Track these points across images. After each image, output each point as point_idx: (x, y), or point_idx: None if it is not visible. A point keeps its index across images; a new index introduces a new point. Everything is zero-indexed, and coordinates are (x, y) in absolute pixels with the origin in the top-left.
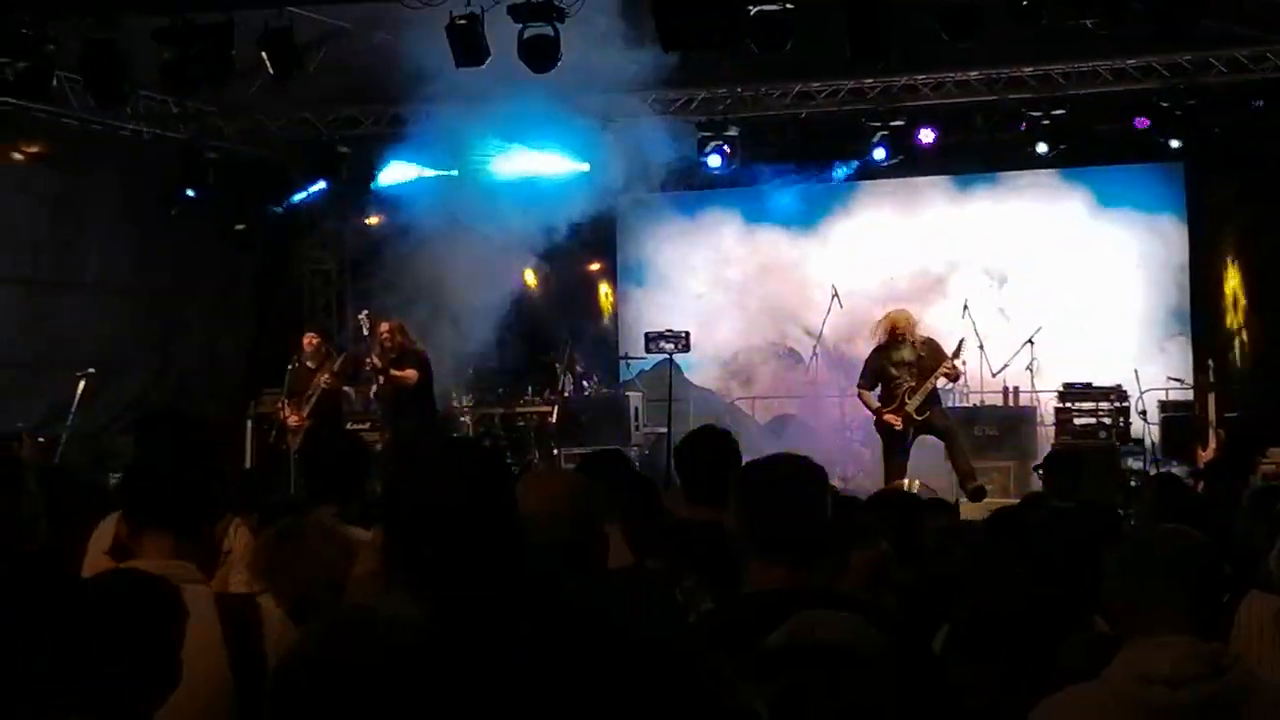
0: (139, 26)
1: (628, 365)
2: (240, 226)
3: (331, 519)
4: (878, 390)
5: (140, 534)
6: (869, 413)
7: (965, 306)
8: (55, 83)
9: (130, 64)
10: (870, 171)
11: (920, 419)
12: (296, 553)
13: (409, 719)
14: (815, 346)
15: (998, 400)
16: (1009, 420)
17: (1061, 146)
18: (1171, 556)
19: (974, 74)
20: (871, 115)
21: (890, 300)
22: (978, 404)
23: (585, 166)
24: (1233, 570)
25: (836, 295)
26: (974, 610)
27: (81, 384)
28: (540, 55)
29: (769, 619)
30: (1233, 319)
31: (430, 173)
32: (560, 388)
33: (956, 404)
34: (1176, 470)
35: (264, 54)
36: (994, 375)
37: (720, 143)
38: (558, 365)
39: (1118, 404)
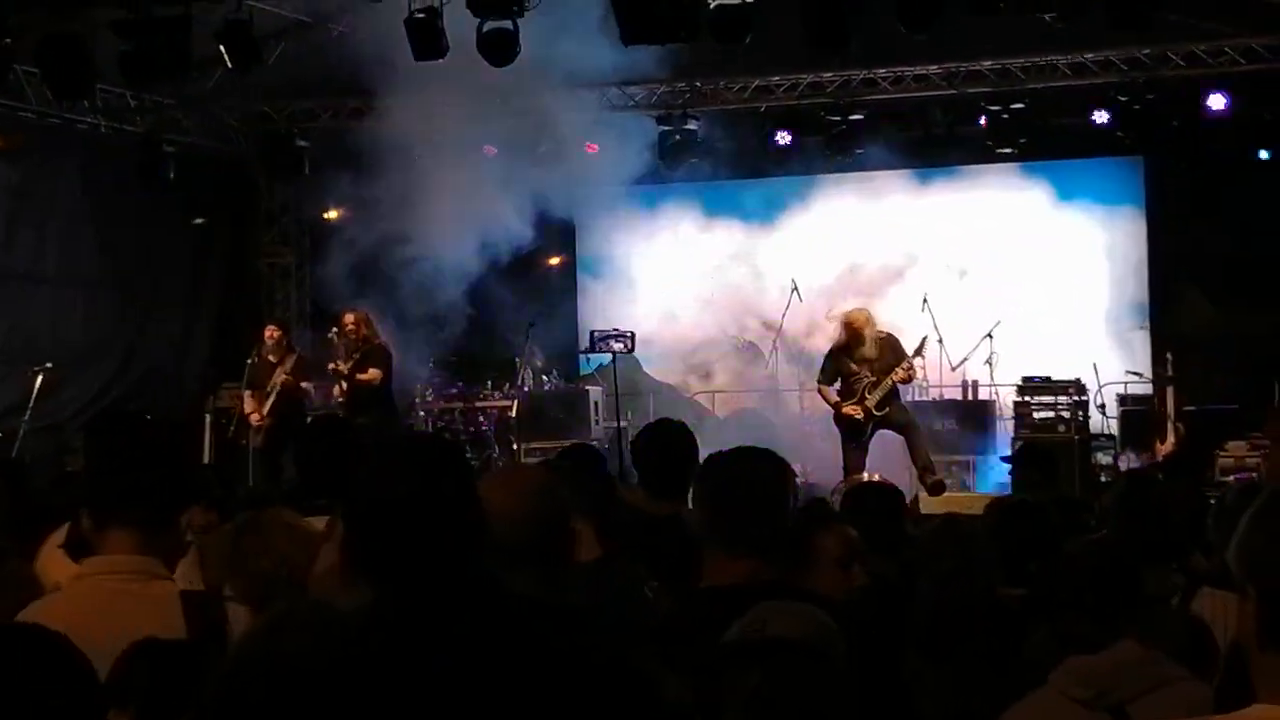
0: (96, 19)
1: (587, 359)
2: (199, 220)
3: (291, 513)
4: (837, 385)
5: (104, 530)
6: (828, 407)
7: (925, 300)
8: (12, 75)
9: (89, 57)
10: (829, 165)
11: (880, 414)
12: (255, 548)
13: (339, 714)
14: (775, 340)
15: (957, 394)
16: (968, 414)
17: (1021, 140)
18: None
19: (933, 68)
20: (830, 109)
21: (850, 294)
22: (937, 398)
23: (545, 160)
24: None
25: (796, 289)
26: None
27: (39, 378)
28: (499, 49)
29: (729, 613)
30: (1191, 312)
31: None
32: (520, 382)
33: (916, 398)
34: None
35: (222, 47)
36: (953, 369)
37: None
38: (517, 359)
39: (1077, 398)
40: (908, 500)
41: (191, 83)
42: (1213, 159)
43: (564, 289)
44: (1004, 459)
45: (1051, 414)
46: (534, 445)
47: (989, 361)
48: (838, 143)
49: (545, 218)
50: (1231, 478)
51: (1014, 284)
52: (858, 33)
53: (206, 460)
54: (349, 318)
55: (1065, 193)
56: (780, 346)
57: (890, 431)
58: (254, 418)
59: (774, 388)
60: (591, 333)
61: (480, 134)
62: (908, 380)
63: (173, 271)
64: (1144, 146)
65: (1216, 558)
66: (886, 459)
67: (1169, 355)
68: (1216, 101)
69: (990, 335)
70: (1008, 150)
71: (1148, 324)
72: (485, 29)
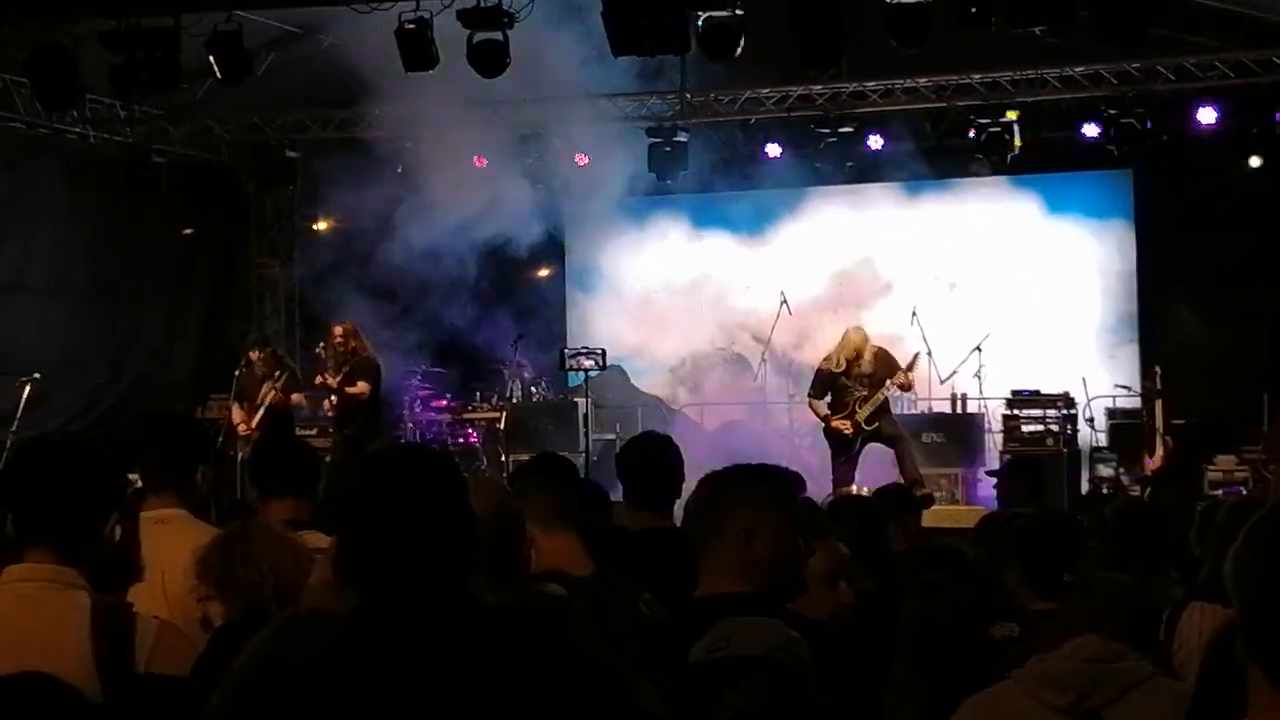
0: (84, 30)
1: (576, 371)
2: (188, 231)
3: (281, 524)
4: (827, 398)
5: (26, 544)
6: (817, 420)
7: (914, 313)
8: (1, 86)
9: (78, 67)
10: (819, 177)
11: (870, 428)
12: (244, 558)
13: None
14: (764, 353)
15: (945, 407)
16: (957, 427)
17: (1010, 153)
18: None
19: (923, 81)
20: (820, 121)
21: (839, 307)
22: (925, 411)
23: (535, 171)
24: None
25: (785, 302)
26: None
27: (27, 389)
28: (489, 61)
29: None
30: (1180, 326)
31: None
32: (508, 393)
33: (905, 411)
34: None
35: (212, 58)
36: (942, 382)
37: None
38: (505, 371)
39: (1065, 411)
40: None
41: (181, 93)
42: (1202, 172)
43: (553, 301)
44: (989, 473)
45: (1040, 427)
46: (522, 457)
47: (978, 375)
48: (827, 155)
49: (535, 229)
50: (1220, 492)
51: (1003, 297)
52: (849, 46)
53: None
54: (337, 329)
55: (1054, 206)
56: (769, 359)
57: (879, 445)
58: (241, 428)
59: (763, 400)
60: (562, 350)
61: (470, 145)
62: (906, 389)
63: (161, 282)
64: (1133, 160)
65: (1206, 571)
66: (875, 473)
67: (1158, 369)
68: (1206, 115)
69: (979, 348)
70: (997, 163)
71: (1136, 337)
72: (475, 40)
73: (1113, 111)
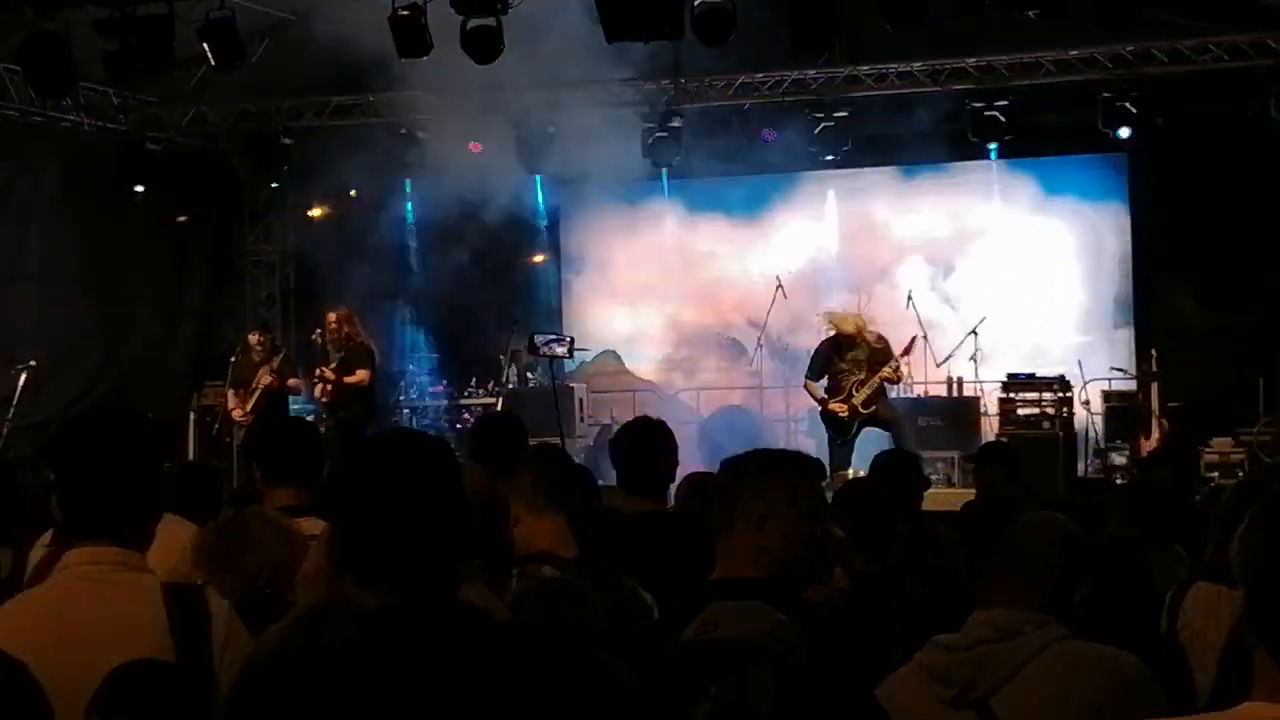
0: (78, 17)
1: (572, 357)
2: (183, 218)
3: (277, 511)
4: (824, 381)
5: (74, 545)
6: (813, 403)
7: (909, 297)
8: None
9: (72, 55)
10: (814, 162)
11: (866, 412)
12: (241, 545)
13: (371, 714)
14: (759, 337)
15: (942, 391)
16: (953, 411)
17: (1005, 137)
18: (1031, 540)
19: (917, 65)
20: (815, 106)
21: (835, 291)
22: (922, 395)
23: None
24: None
25: (780, 286)
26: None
27: (23, 376)
28: (483, 47)
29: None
30: (1175, 308)
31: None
32: (504, 379)
33: (901, 394)
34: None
35: (205, 45)
36: (938, 366)
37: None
38: (501, 356)
39: (1061, 394)
40: None
41: (174, 81)
42: (1196, 155)
43: (548, 286)
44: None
45: (1036, 410)
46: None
47: (974, 358)
48: (822, 140)
49: (530, 215)
50: (1215, 474)
51: (998, 281)
52: (842, 30)
53: (190, 458)
54: (332, 316)
55: (1049, 189)
56: (765, 343)
57: (876, 428)
58: (237, 414)
59: (758, 385)
60: (531, 336)
61: (465, 131)
62: (895, 380)
63: (156, 269)
64: (1127, 143)
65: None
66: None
67: (1153, 351)
68: (1200, 97)
69: (975, 332)
70: (992, 147)
71: (1132, 320)
72: (469, 26)
73: (1107, 95)
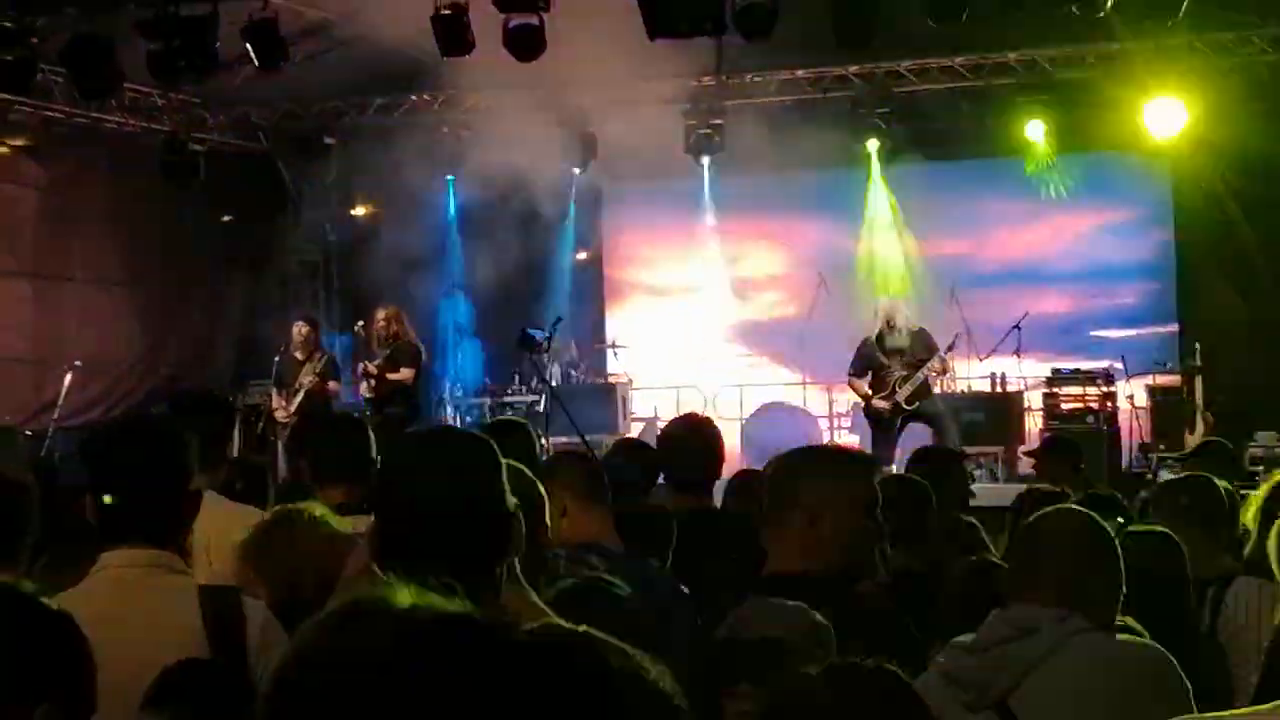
0: (121, 19)
1: (615, 354)
2: (227, 218)
3: (326, 509)
4: (867, 378)
5: (110, 547)
6: (857, 399)
7: (952, 292)
8: (39, 76)
9: (115, 57)
10: (855, 159)
11: (910, 408)
12: (286, 543)
13: (406, 713)
14: (802, 334)
15: (985, 386)
16: (996, 406)
17: (1048, 131)
18: (1045, 535)
19: (959, 60)
20: (856, 102)
21: (879, 286)
22: (965, 390)
23: (573, 156)
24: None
25: (824, 282)
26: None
27: (69, 377)
28: (526, 45)
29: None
30: (1220, 303)
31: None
32: (548, 376)
33: (944, 390)
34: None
35: (248, 45)
36: (981, 361)
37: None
38: (545, 353)
39: (1105, 389)
40: None
41: (218, 81)
42: (1242, 149)
43: (591, 283)
44: (1027, 453)
45: (1080, 405)
46: (561, 440)
47: (1017, 353)
48: (862, 135)
49: (573, 213)
50: (1260, 468)
51: (1042, 275)
52: (884, 25)
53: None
54: (381, 314)
55: (1093, 183)
56: (808, 340)
57: (919, 425)
58: (279, 413)
59: (801, 381)
60: (524, 329)
61: (508, 129)
62: (943, 373)
63: (200, 269)
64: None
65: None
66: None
67: (1197, 345)
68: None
69: (1018, 327)
70: (1034, 141)
71: (1176, 314)
72: (512, 24)
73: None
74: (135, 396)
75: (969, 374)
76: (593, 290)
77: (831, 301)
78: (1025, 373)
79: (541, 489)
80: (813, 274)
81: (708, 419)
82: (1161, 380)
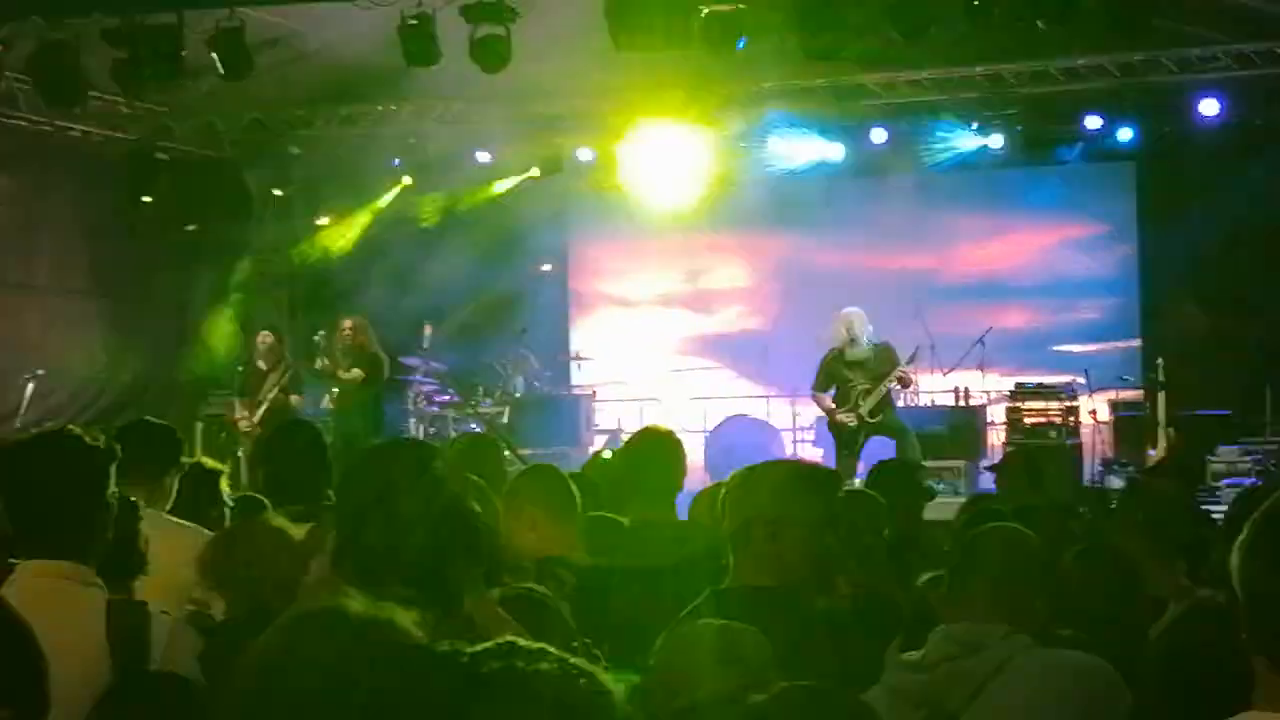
0: (87, 28)
1: (579, 365)
2: (191, 227)
3: (281, 519)
4: (831, 391)
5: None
6: (820, 413)
7: (917, 306)
8: (3, 84)
9: (81, 65)
10: (822, 171)
11: (873, 421)
12: (247, 554)
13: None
14: (766, 347)
15: (949, 400)
16: (959, 420)
17: (1012, 145)
18: (981, 552)
19: (925, 73)
20: (822, 115)
21: (844, 300)
22: (929, 404)
23: (537, 166)
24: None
25: (787, 295)
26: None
27: (30, 386)
28: (492, 56)
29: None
30: (1183, 318)
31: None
32: (511, 388)
33: (907, 404)
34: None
35: (214, 55)
36: (944, 375)
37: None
38: (510, 365)
39: (1068, 404)
40: None
41: (183, 90)
42: (1204, 164)
43: (556, 295)
44: (988, 468)
45: (1043, 420)
46: (525, 451)
47: (980, 367)
48: (830, 148)
49: (538, 224)
50: (1223, 483)
51: (1006, 290)
52: (850, 39)
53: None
54: (346, 323)
55: (1057, 197)
56: (771, 353)
57: (881, 438)
58: (243, 424)
59: (765, 394)
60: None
61: (473, 140)
62: (906, 384)
63: (164, 278)
64: (1136, 151)
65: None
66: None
67: (1160, 360)
68: (1209, 107)
69: (982, 341)
70: (999, 155)
71: (1139, 329)
72: (478, 35)
73: (1115, 103)
74: (97, 407)
75: (932, 388)
76: (559, 300)
77: (795, 314)
78: (988, 386)
79: (496, 501)
80: (776, 286)
81: (669, 431)
82: (1124, 395)
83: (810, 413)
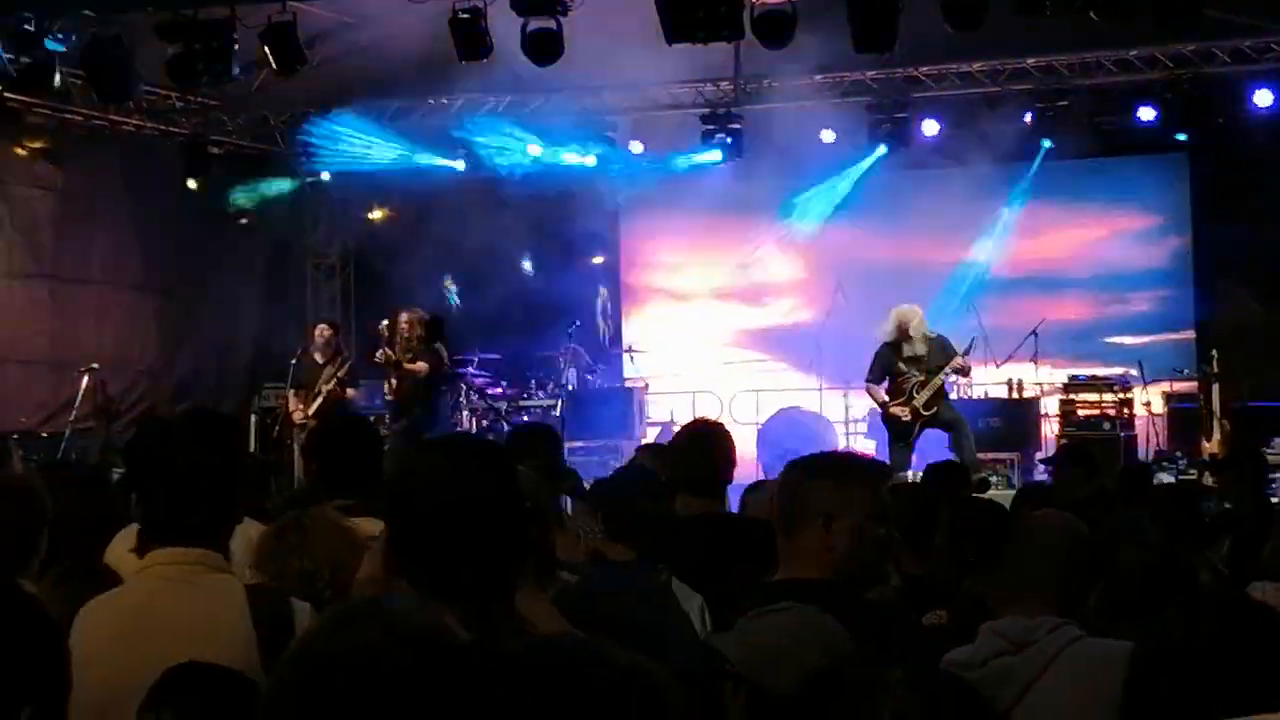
0: (139, 22)
1: (631, 358)
2: (244, 220)
3: (336, 512)
4: (885, 384)
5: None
6: (873, 405)
7: (969, 298)
8: (58, 79)
9: (133, 59)
10: (874, 163)
11: (928, 414)
12: (299, 547)
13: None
14: (819, 340)
15: (1002, 392)
16: (1013, 412)
17: (1065, 137)
18: (1027, 543)
19: (977, 65)
20: (874, 107)
21: (894, 293)
22: (982, 396)
23: (589, 160)
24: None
25: (840, 288)
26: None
27: (85, 379)
28: (543, 49)
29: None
30: (1237, 309)
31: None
32: (564, 381)
33: (961, 396)
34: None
35: (266, 48)
36: (998, 367)
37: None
38: (561, 358)
39: (1122, 396)
40: None
41: (236, 84)
42: (1258, 155)
43: (608, 286)
44: (1044, 461)
45: (1096, 412)
46: (578, 444)
47: (1034, 359)
48: (880, 141)
49: (589, 217)
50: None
51: (1059, 281)
52: (902, 31)
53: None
54: (405, 316)
55: (1110, 189)
56: (825, 345)
57: (936, 430)
58: (297, 415)
59: (818, 387)
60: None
61: (524, 133)
62: (964, 374)
63: (218, 272)
64: (1189, 143)
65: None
66: (932, 459)
67: (1214, 352)
68: (1263, 97)
69: (1035, 333)
70: (1052, 147)
71: (1193, 321)
72: (529, 28)
73: (1168, 95)
74: (151, 399)
75: (986, 380)
76: (610, 295)
77: (849, 307)
78: (1042, 379)
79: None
80: (830, 279)
81: (719, 423)
82: (1178, 387)
83: (863, 405)
